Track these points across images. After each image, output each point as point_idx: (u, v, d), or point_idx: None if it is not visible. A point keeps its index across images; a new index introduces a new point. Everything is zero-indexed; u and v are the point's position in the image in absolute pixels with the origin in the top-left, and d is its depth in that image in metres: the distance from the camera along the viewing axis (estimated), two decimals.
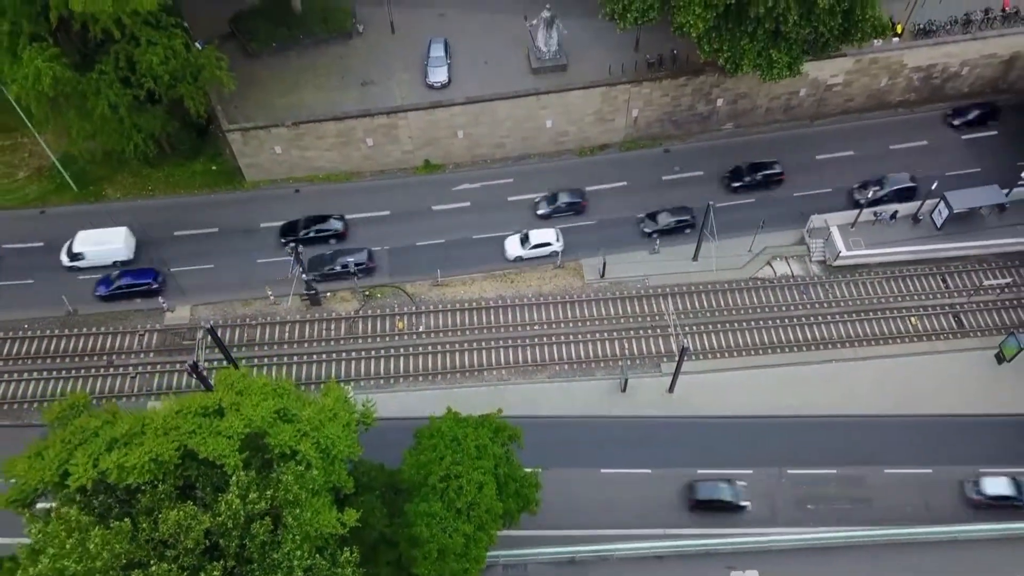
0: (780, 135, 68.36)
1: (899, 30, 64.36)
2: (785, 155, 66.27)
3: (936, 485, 53.04)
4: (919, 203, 61.61)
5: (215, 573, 29.58)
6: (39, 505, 33.13)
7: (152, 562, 28.90)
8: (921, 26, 64.52)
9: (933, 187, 59.96)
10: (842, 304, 60.26)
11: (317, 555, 32.00)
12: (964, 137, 67.50)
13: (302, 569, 30.68)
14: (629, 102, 64.26)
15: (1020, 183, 61.16)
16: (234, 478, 30.87)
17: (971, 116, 67.64)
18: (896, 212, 61.67)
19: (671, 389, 55.58)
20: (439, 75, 63.09)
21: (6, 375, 56.16)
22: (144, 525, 29.98)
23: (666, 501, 51.73)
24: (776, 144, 67.42)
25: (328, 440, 33.81)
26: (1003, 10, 64.85)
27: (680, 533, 49.35)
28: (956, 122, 67.70)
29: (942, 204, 60.64)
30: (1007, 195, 61.04)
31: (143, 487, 30.94)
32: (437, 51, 64.29)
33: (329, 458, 34.20)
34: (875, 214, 61.64)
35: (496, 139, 65.34)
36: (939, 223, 61.38)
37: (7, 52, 48.38)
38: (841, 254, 60.92)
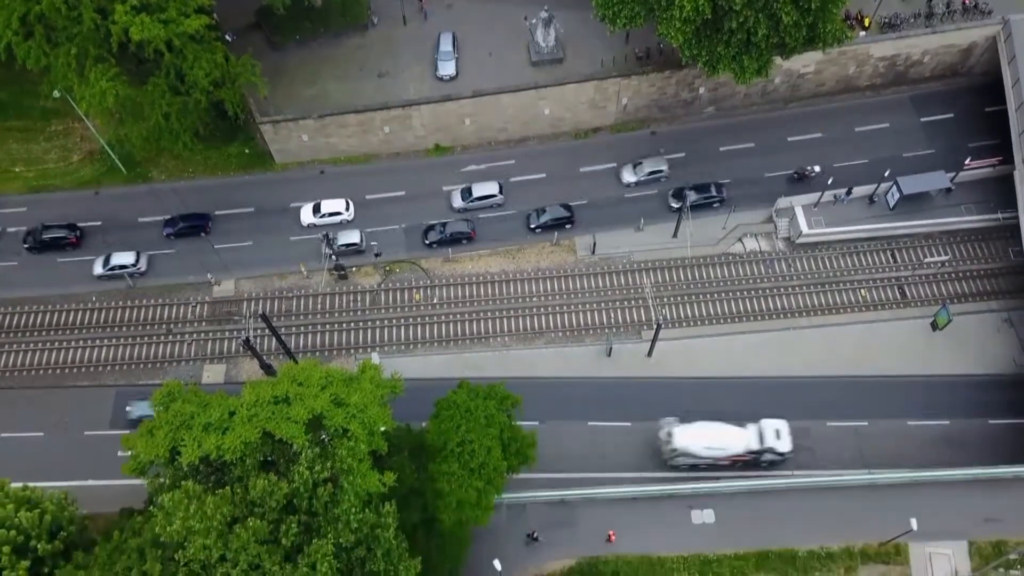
0: (757, 117, 75.32)
1: (867, 23, 70.78)
2: (760, 136, 73.64)
3: (870, 436, 62.79)
4: (875, 186, 69.41)
5: (292, 525, 39.52)
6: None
7: (248, 519, 38.71)
8: (887, 19, 70.74)
9: (887, 173, 67.85)
10: (802, 277, 68.79)
11: (366, 509, 41.87)
12: (923, 120, 74.61)
13: (356, 520, 40.59)
14: (619, 92, 71.26)
15: (965, 167, 68.83)
16: (303, 455, 40.47)
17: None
18: (851, 189, 69.30)
19: (650, 354, 64.80)
20: (448, 68, 69.82)
21: (82, 342, 65.57)
22: (238, 490, 39.78)
23: (642, 450, 61.69)
24: (752, 126, 74.60)
25: (371, 420, 43.22)
26: (963, 3, 71.01)
27: (651, 477, 59.53)
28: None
29: (894, 188, 68.48)
30: (952, 179, 68.81)
31: (234, 460, 40.51)
32: (446, 45, 70.75)
33: (371, 432, 43.69)
34: (835, 196, 69.54)
35: (499, 124, 72.61)
36: (892, 204, 69.33)
37: (76, 73, 55.66)
38: (803, 232, 69.09)
